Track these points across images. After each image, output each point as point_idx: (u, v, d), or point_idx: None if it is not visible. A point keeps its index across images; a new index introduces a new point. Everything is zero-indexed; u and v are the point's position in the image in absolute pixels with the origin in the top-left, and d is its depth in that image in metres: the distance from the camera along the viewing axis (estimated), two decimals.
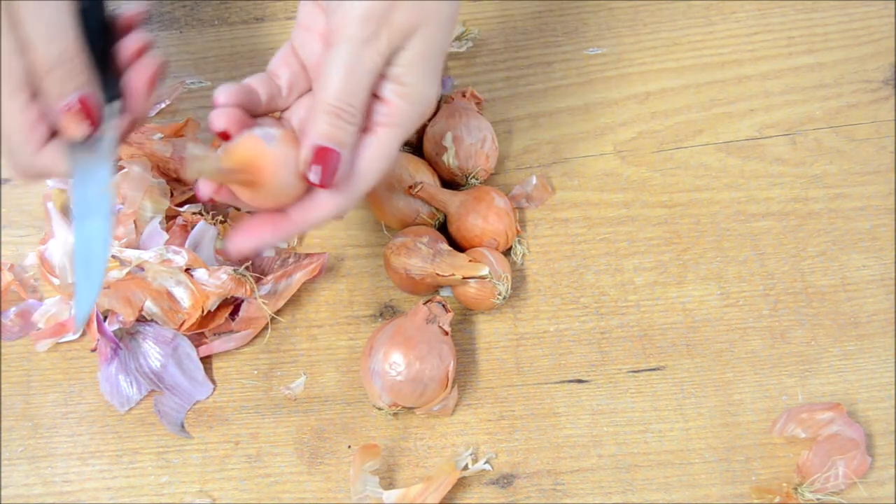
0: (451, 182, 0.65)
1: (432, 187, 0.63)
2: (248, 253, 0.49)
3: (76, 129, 0.47)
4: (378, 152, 0.49)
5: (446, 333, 0.58)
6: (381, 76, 0.48)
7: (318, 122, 0.47)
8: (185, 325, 0.59)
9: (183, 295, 0.59)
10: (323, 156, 0.47)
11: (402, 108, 0.49)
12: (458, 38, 0.70)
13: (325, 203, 0.49)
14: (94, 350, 0.59)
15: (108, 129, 0.49)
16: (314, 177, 0.47)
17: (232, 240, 0.49)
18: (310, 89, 0.53)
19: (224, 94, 0.49)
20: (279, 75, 0.52)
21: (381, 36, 0.47)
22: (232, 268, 0.60)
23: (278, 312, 0.62)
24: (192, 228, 0.62)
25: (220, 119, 0.48)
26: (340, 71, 0.46)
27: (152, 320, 0.60)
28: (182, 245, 0.61)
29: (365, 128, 0.49)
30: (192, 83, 0.70)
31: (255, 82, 0.51)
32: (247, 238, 0.49)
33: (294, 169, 0.47)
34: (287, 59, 0.53)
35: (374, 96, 0.49)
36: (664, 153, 0.67)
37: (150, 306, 0.59)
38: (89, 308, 0.49)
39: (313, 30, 0.52)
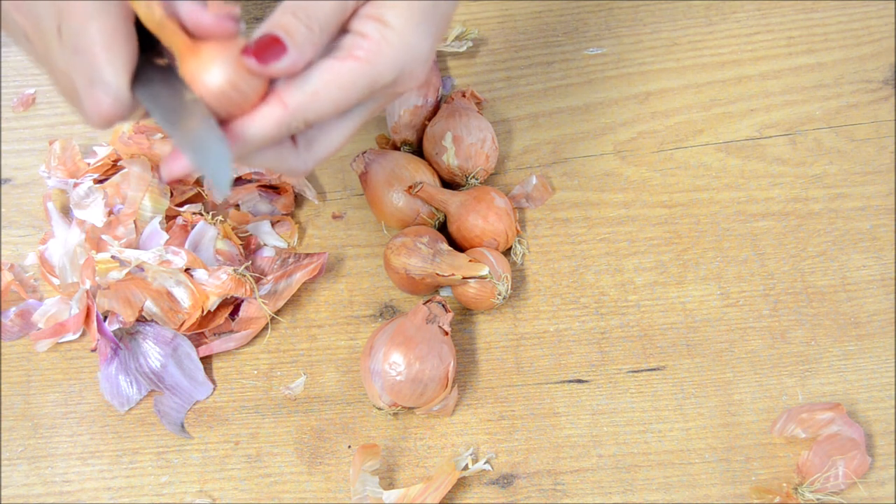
0: (451, 182, 0.65)
1: (432, 187, 0.63)
2: (181, 176, 0.45)
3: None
4: (338, 80, 0.44)
5: (446, 333, 0.58)
6: (364, 14, 0.45)
7: (276, 15, 0.43)
8: (185, 325, 0.59)
9: (183, 295, 0.59)
10: (269, 42, 0.43)
11: (379, 47, 0.44)
12: (458, 38, 0.70)
13: (268, 113, 0.44)
14: (94, 350, 0.59)
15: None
16: (250, 57, 0.43)
17: (165, 164, 0.45)
18: None
19: None
20: None
21: None
22: (232, 268, 0.60)
23: (278, 312, 0.62)
24: (192, 228, 0.62)
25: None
26: None
27: (152, 320, 0.60)
28: (182, 245, 0.61)
29: (331, 56, 0.45)
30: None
31: None
32: (177, 161, 0.44)
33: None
34: None
35: (353, 32, 0.45)
36: (664, 153, 0.67)
37: (150, 306, 0.59)
38: (229, 173, 0.43)
39: None
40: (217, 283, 0.59)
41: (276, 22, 0.43)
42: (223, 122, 0.44)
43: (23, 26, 0.46)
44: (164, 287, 0.59)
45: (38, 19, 0.45)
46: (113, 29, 0.43)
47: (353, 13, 0.45)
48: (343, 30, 0.46)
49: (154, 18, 0.43)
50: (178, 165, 0.44)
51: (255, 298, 0.60)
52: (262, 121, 0.44)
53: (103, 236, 0.61)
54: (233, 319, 0.62)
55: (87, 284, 0.60)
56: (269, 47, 0.43)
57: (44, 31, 0.45)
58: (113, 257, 0.59)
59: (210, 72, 0.43)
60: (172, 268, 0.59)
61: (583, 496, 0.58)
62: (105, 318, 0.60)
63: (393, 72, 0.45)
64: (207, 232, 0.62)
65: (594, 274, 0.64)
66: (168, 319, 0.59)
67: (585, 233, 0.65)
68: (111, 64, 0.43)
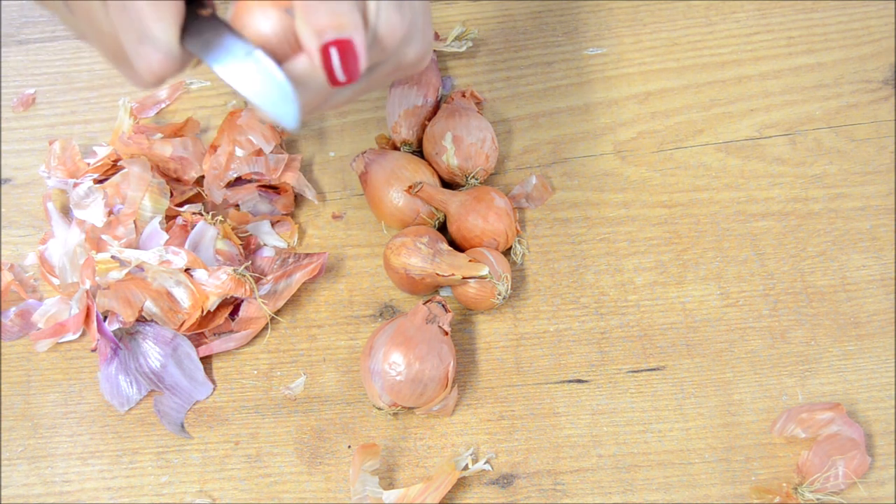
0: (451, 182, 0.65)
1: (432, 187, 0.63)
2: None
3: None
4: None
5: (446, 333, 0.58)
6: None
7: (316, 15, 0.42)
8: (185, 326, 0.59)
9: (183, 295, 0.59)
10: (341, 48, 0.42)
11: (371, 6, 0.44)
12: (458, 38, 0.70)
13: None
14: (93, 350, 0.59)
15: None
16: (339, 76, 0.43)
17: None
18: None
19: None
20: None
21: None
22: (231, 268, 0.60)
23: (278, 312, 0.62)
24: (192, 228, 0.62)
25: None
26: None
27: (152, 320, 0.60)
28: (182, 245, 0.61)
29: None
30: (191, 83, 0.70)
31: None
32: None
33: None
34: None
35: None
36: (664, 153, 0.67)
37: (149, 306, 0.59)
38: (295, 107, 0.43)
39: None
40: (217, 283, 0.59)
41: (327, 24, 0.42)
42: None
43: None
44: (163, 287, 0.59)
45: None
46: None
47: None
48: None
49: None
50: None
51: (255, 298, 0.60)
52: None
53: (103, 236, 0.61)
54: (233, 319, 0.62)
55: (87, 284, 0.60)
56: (343, 55, 0.42)
57: None
58: (113, 257, 0.59)
59: (261, 22, 0.43)
60: (172, 268, 0.59)
61: (583, 496, 0.58)
62: (105, 318, 0.60)
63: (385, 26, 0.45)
64: (207, 232, 0.62)
65: (594, 274, 0.64)
66: (168, 319, 0.59)
67: (585, 233, 0.65)
68: (160, 19, 0.43)
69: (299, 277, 0.62)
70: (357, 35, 0.42)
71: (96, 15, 0.45)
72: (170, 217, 0.63)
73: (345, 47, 0.42)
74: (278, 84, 0.43)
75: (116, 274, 0.59)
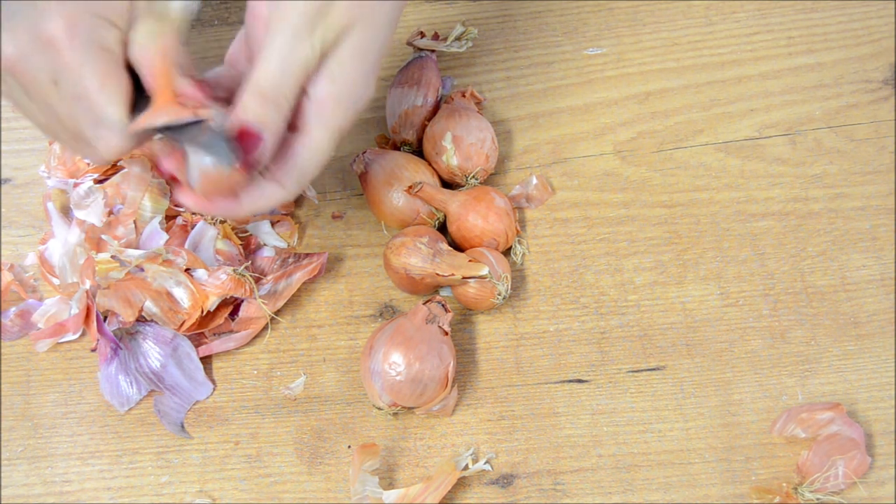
0: (451, 182, 0.65)
1: (432, 187, 0.63)
2: (196, 210, 0.51)
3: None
4: (312, 152, 0.50)
5: (446, 333, 0.58)
6: (315, 72, 0.49)
7: (248, 102, 0.48)
8: (185, 326, 0.59)
9: (183, 295, 0.59)
10: (247, 137, 0.47)
11: (333, 110, 0.49)
12: (458, 38, 0.70)
13: (268, 193, 0.50)
14: (93, 350, 0.59)
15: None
16: (235, 160, 0.47)
17: (184, 197, 0.50)
18: None
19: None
20: (238, 67, 0.53)
21: (317, 30, 0.48)
22: (231, 268, 0.60)
23: (278, 312, 0.62)
24: (192, 228, 0.62)
25: (168, 163, 0.50)
26: (275, 58, 0.47)
27: (152, 320, 0.60)
28: (182, 245, 0.61)
29: (297, 126, 0.50)
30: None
31: (219, 75, 0.53)
32: (199, 202, 0.50)
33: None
34: (243, 49, 0.53)
35: (306, 94, 0.49)
36: (664, 153, 0.67)
37: (149, 306, 0.59)
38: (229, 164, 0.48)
39: (261, 18, 0.51)
40: (217, 283, 0.59)
41: (250, 109, 0.47)
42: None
43: (22, 85, 0.48)
44: (163, 287, 0.59)
45: (34, 75, 0.47)
46: (105, 71, 0.47)
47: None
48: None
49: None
50: (199, 208, 0.50)
51: (255, 298, 0.60)
52: (265, 199, 0.50)
53: (103, 236, 0.61)
54: (233, 319, 0.61)
55: (87, 284, 0.60)
56: (246, 139, 0.47)
57: (41, 86, 0.47)
58: (113, 257, 0.59)
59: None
60: (172, 268, 0.59)
61: (583, 496, 0.58)
62: (105, 318, 0.60)
63: (349, 121, 0.51)
64: (207, 232, 0.62)
65: (594, 274, 0.64)
66: (168, 319, 0.59)
67: (585, 233, 0.65)
68: (111, 103, 0.47)
69: (299, 277, 0.62)
70: (270, 138, 0.48)
71: (53, 101, 0.48)
72: (170, 217, 0.63)
73: (250, 136, 0.47)
74: (224, 152, 0.47)
75: (116, 274, 0.59)
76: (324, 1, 0.47)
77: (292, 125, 0.50)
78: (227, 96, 0.51)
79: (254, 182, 0.50)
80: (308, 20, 0.47)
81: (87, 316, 0.61)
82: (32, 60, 0.46)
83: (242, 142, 0.47)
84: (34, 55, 0.46)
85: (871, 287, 0.63)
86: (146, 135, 0.49)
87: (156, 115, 0.48)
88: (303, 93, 0.49)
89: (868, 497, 0.57)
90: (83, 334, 0.62)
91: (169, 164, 0.50)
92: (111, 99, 0.47)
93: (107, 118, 0.47)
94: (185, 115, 0.47)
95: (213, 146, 0.47)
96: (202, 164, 0.47)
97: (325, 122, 0.50)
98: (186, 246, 0.61)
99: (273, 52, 0.47)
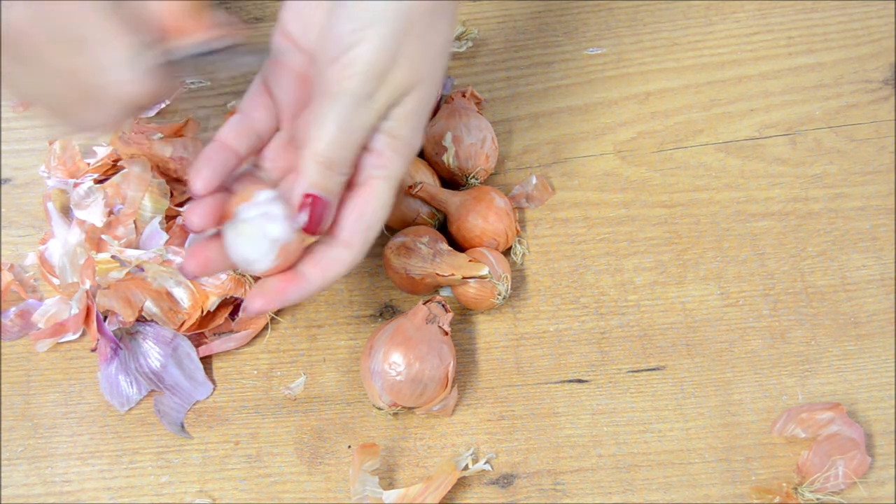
0: (451, 182, 0.65)
1: (432, 187, 0.63)
2: (269, 310, 0.50)
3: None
4: (378, 203, 0.50)
5: (446, 333, 0.58)
6: (375, 129, 0.49)
7: (309, 172, 0.47)
8: (185, 326, 0.59)
9: (183, 295, 0.59)
10: (313, 204, 0.48)
11: (394, 161, 0.49)
12: (458, 38, 0.70)
13: (338, 258, 0.50)
14: (93, 350, 0.59)
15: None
16: (302, 223, 0.48)
17: (255, 301, 0.49)
18: (278, 129, 0.52)
19: (201, 181, 0.48)
20: (256, 117, 0.51)
21: (380, 94, 0.47)
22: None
23: (278, 312, 0.62)
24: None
25: (197, 218, 0.48)
26: (335, 124, 0.47)
27: (152, 320, 0.60)
28: (182, 245, 0.61)
29: (358, 182, 0.50)
30: (192, 83, 0.70)
31: (232, 135, 0.50)
32: (269, 300, 0.49)
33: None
34: (262, 99, 0.51)
35: (365, 148, 0.49)
36: (664, 153, 0.67)
37: (149, 306, 0.59)
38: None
39: (286, 66, 0.51)
40: (216, 282, 0.59)
41: (313, 181, 0.47)
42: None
43: (18, 51, 0.44)
44: (163, 287, 0.59)
45: (28, 30, 0.43)
46: (107, 9, 0.43)
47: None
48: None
49: None
50: (269, 306, 0.50)
51: None
52: (335, 266, 0.50)
53: (103, 236, 0.61)
54: (233, 319, 0.62)
55: (87, 284, 0.60)
56: (313, 209, 0.48)
57: (36, 42, 0.44)
58: (113, 257, 0.59)
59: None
60: (173, 268, 0.59)
61: (583, 496, 0.58)
62: (105, 318, 0.60)
63: (405, 172, 0.51)
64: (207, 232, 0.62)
65: (594, 274, 0.64)
66: (168, 319, 0.59)
67: (585, 233, 0.65)
68: (119, 33, 0.43)
69: None
70: (332, 200, 0.48)
71: (50, 59, 0.44)
72: (170, 217, 0.63)
73: (318, 205, 0.48)
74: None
75: (116, 274, 0.59)
76: (386, 59, 0.47)
77: (350, 182, 0.50)
78: (245, 154, 0.50)
79: (317, 253, 0.50)
80: (371, 85, 0.47)
81: (87, 316, 0.61)
82: (33, 24, 0.43)
83: (312, 212, 0.48)
84: (33, 19, 0.43)
85: (871, 287, 0.63)
86: (170, 71, 0.45)
87: (186, 39, 0.44)
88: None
89: (868, 497, 0.57)
90: (83, 334, 0.62)
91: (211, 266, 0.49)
92: (119, 29, 0.43)
93: (116, 50, 0.43)
94: (222, 38, 0.44)
95: (271, 215, 0.47)
96: (271, 235, 0.47)
97: (388, 174, 0.50)
98: (186, 246, 0.61)
99: (333, 118, 0.47)
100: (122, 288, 0.59)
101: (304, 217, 0.48)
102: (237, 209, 0.48)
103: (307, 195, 0.47)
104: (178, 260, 0.59)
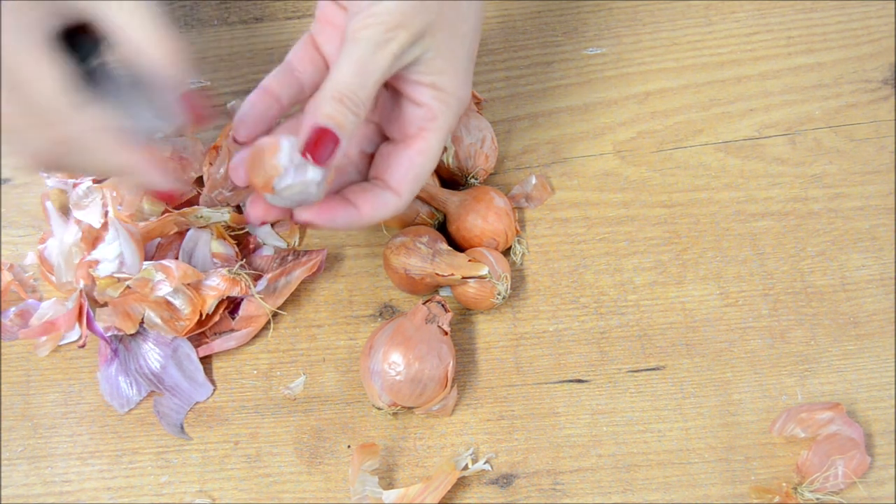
0: (450, 182, 0.65)
1: (432, 187, 0.63)
2: (318, 227, 0.52)
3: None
4: (428, 154, 0.52)
5: (446, 333, 0.58)
6: (418, 82, 0.51)
7: (322, 105, 0.49)
8: (185, 331, 0.59)
9: (182, 303, 0.59)
10: (322, 136, 0.48)
11: (443, 113, 0.52)
12: None
13: (388, 202, 0.52)
14: (82, 346, 0.59)
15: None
16: (309, 155, 0.48)
17: (305, 213, 0.51)
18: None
19: (245, 129, 0.52)
20: (300, 70, 0.54)
21: (398, 37, 0.49)
22: (226, 269, 0.59)
23: (276, 314, 0.62)
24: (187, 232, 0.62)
25: (243, 129, 0.52)
26: (352, 65, 0.49)
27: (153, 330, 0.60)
28: (177, 254, 0.61)
29: (409, 134, 0.52)
30: (191, 83, 0.70)
31: (275, 83, 0.53)
32: (321, 216, 0.51)
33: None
34: (309, 53, 0.55)
35: (415, 103, 0.52)
36: (664, 153, 0.67)
37: (151, 317, 0.59)
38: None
39: (335, 24, 0.54)
40: (212, 284, 0.59)
41: (325, 112, 0.48)
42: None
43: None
44: (162, 297, 0.59)
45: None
46: (33, 40, 0.44)
47: (399, 77, 0.51)
48: (393, 90, 0.53)
49: None
50: (319, 220, 0.51)
51: (253, 295, 0.60)
52: (385, 207, 0.52)
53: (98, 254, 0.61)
54: (233, 318, 0.61)
55: (82, 284, 0.60)
56: (321, 141, 0.48)
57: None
58: (113, 276, 0.59)
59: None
60: (166, 284, 0.59)
61: (582, 496, 0.58)
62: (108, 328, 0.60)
63: (454, 123, 0.53)
64: (200, 237, 0.62)
65: (594, 274, 0.64)
66: (170, 329, 0.59)
67: (585, 233, 0.65)
68: (43, 64, 0.44)
69: (299, 274, 0.62)
70: (346, 140, 0.49)
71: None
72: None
73: (326, 137, 0.48)
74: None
75: (112, 292, 0.59)
76: (404, 15, 0.49)
77: (400, 135, 0.53)
78: (286, 103, 0.53)
79: (371, 192, 0.52)
80: (389, 34, 0.49)
81: (80, 314, 0.61)
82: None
83: (319, 143, 0.48)
84: None
85: (871, 287, 0.63)
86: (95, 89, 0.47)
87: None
88: (409, 101, 0.52)
89: (868, 497, 0.57)
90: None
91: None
92: (41, 60, 0.44)
93: (40, 75, 0.44)
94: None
95: (304, 164, 0.49)
96: (314, 180, 0.49)
97: (437, 125, 0.52)
98: (180, 255, 0.61)
99: (351, 59, 0.49)
100: (120, 304, 0.59)
101: (311, 151, 0.48)
102: (274, 183, 0.49)
103: (318, 127, 0.48)
104: (165, 284, 0.59)
